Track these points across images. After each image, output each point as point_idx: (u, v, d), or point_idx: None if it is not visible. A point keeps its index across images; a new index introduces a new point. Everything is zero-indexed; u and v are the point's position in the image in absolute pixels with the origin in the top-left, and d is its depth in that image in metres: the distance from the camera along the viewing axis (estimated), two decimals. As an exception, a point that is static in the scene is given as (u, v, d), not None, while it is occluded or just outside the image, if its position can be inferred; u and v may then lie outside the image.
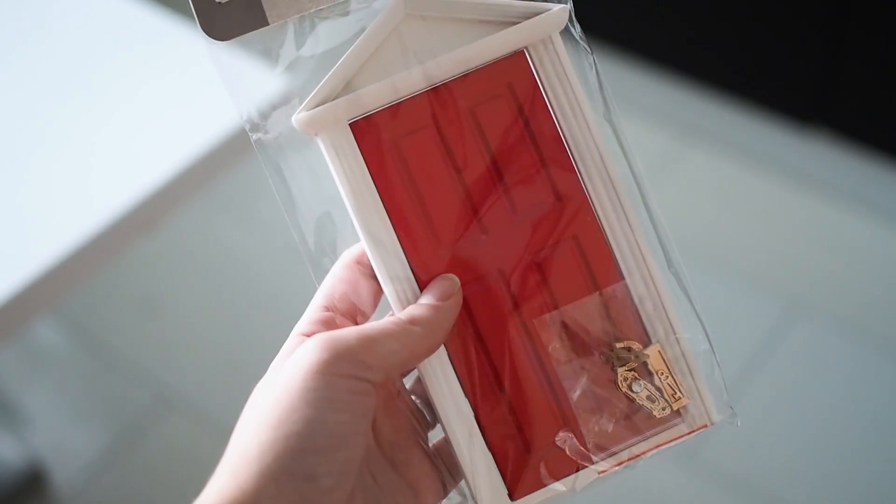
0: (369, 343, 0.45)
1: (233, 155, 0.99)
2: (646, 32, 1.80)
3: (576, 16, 0.51)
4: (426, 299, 0.48)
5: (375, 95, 0.49)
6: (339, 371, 0.44)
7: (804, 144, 1.74)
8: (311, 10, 0.48)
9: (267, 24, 0.48)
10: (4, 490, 1.42)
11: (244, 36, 0.48)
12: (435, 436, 0.51)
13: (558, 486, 0.49)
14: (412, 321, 0.47)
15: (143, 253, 1.67)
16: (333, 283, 0.50)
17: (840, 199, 1.70)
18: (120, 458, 1.48)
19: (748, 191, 1.74)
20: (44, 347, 1.62)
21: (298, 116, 0.49)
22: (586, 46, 0.51)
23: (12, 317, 0.89)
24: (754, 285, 1.61)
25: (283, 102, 0.49)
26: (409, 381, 0.52)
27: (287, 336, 0.50)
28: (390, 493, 0.48)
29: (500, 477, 0.49)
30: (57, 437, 1.51)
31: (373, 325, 0.47)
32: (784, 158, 1.75)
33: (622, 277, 0.50)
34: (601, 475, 0.50)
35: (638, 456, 0.50)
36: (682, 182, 1.75)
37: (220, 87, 1.04)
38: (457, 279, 0.49)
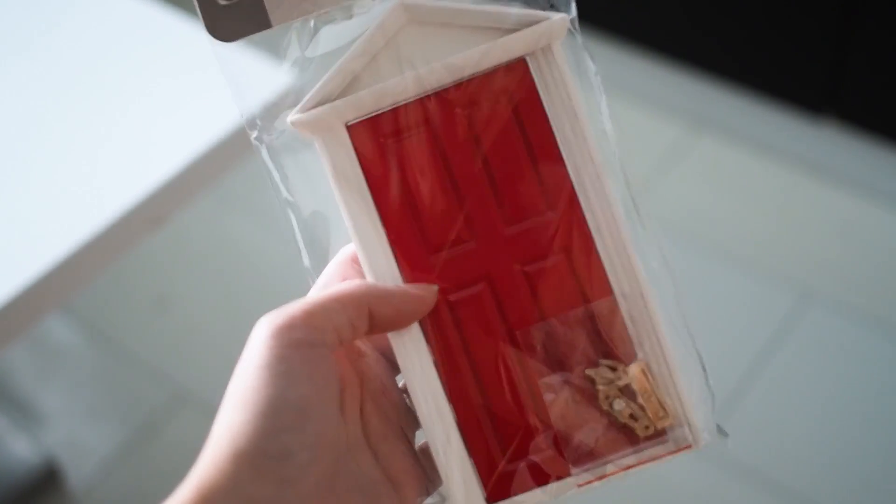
0: (310, 308, 0.45)
1: (243, 150, 1.00)
2: (655, 23, 1.79)
3: (587, 7, 0.50)
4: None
5: (373, 98, 0.49)
6: (287, 342, 0.44)
7: (815, 134, 1.73)
8: (315, 13, 0.48)
9: (270, 26, 0.48)
10: (20, 487, 1.42)
11: (248, 38, 0.48)
12: (421, 437, 0.51)
13: (536, 494, 0.49)
14: (368, 286, 0.47)
15: (155, 250, 1.68)
16: (326, 282, 0.50)
17: (851, 187, 1.69)
18: (134, 454, 1.48)
19: (759, 180, 1.73)
20: (57, 345, 1.63)
21: (294, 118, 0.49)
22: (590, 56, 0.50)
23: (24, 314, 0.90)
24: (766, 274, 1.61)
25: (283, 103, 0.49)
26: (402, 381, 0.52)
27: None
28: (372, 483, 0.48)
29: (476, 479, 0.49)
30: (71, 434, 1.52)
31: (320, 292, 0.47)
32: (795, 148, 1.74)
33: (612, 292, 0.50)
34: (580, 487, 0.49)
35: (619, 472, 0.49)
36: (693, 172, 1.75)
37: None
38: (435, 288, 0.49)
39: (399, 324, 0.48)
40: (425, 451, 0.50)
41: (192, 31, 1.06)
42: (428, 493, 0.50)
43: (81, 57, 1.06)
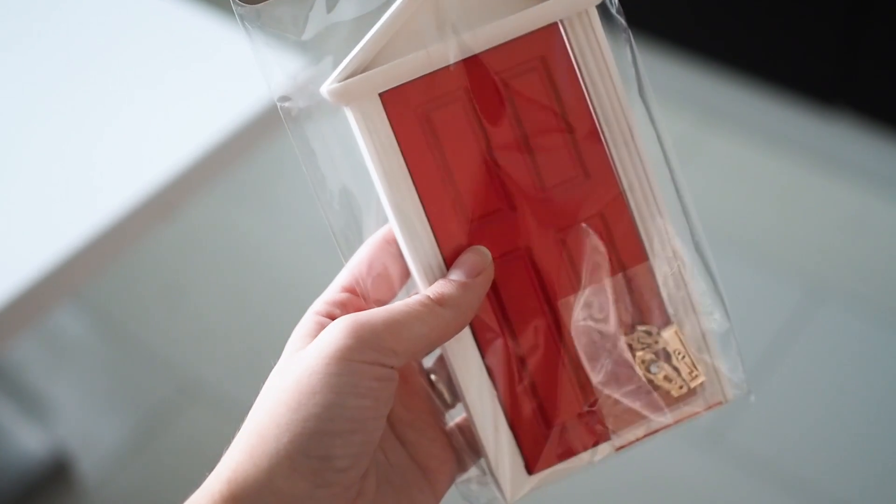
0: (396, 328, 0.45)
1: (252, 141, 0.99)
2: (666, 15, 1.79)
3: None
4: (455, 275, 0.47)
5: (408, 67, 0.48)
6: (363, 358, 0.44)
7: (826, 126, 1.73)
8: None
9: None
10: (30, 480, 1.42)
11: (274, 1, 0.48)
12: (451, 415, 0.51)
13: (576, 460, 0.50)
14: (440, 301, 0.46)
15: (165, 242, 1.68)
16: (358, 263, 0.49)
17: (862, 180, 1.69)
18: (144, 447, 1.48)
19: (770, 173, 1.73)
20: (67, 337, 1.63)
21: (330, 87, 0.48)
22: (623, 22, 0.50)
23: (34, 304, 0.90)
24: (777, 268, 1.60)
25: (313, 71, 0.48)
26: (427, 360, 0.52)
27: (307, 323, 0.49)
28: (401, 472, 0.48)
29: (518, 451, 0.49)
30: (81, 426, 1.52)
31: (399, 307, 0.46)
32: (806, 140, 1.73)
33: (647, 258, 0.50)
34: (619, 450, 0.50)
35: (655, 431, 0.50)
36: (703, 165, 1.74)
37: (239, 74, 1.04)
38: (488, 252, 0.48)
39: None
40: (457, 428, 0.50)
41: (204, 23, 1.06)
42: (461, 472, 0.50)
43: (93, 47, 1.06)
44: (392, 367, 0.44)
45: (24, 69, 1.05)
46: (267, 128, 1.00)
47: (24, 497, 1.42)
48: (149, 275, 1.68)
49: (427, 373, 0.51)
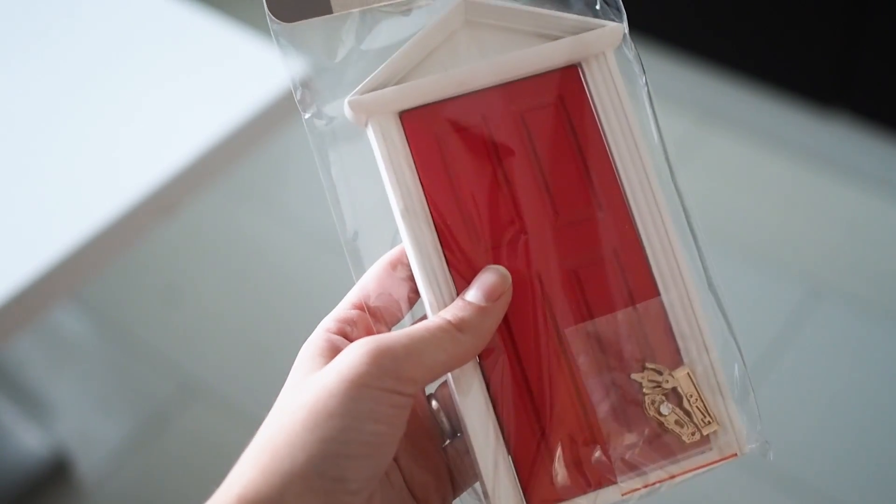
0: (416, 355, 0.45)
1: (253, 140, 1.00)
2: (666, 16, 1.79)
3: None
4: (474, 296, 0.47)
5: (428, 88, 0.49)
6: (383, 386, 0.44)
7: (825, 127, 1.73)
8: (375, 4, 0.49)
9: (331, 12, 0.49)
10: (30, 479, 1.42)
11: (307, 21, 0.49)
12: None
13: (580, 501, 0.48)
14: (460, 326, 0.46)
15: (166, 241, 1.68)
16: (369, 281, 0.49)
17: (861, 181, 1.69)
18: (144, 446, 1.48)
19: (769, 174, 1.73)
20: (68, 337, 1.63)
21: (350, 100, 0.49)
22: (641, 67, 0.51)
23: (33, 303, 0.90)
24: (776, 269, 1.60)
25: (337, 88, 0.49)
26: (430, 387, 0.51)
27: (309, 324, 0.49)
28: (400, 494, 0.48)
29: (518, 484, 0.48)
30: (81, 426, 1.52)
31: (419, 332, 0.45)
32: (805, 141, 1.74)
33: (658, 293, 0.50)
34: (625, 496, 0.48)
35: (665, 480, 0.49)
36: (703, 166, 1.74)
37: (241, 73, 1.04)
38: (508, 275, 0.48)
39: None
40: (454, 450, 0.50)
41: (208, 24, 1.06)
42: (453, 498, 0.50)
43: (93, 47, 1.06)
44: (409, 395, 0.44)
45: (22, 68, 1.05)
46: (268, 127, 1.00)
47: (23, 496, 1.42)
48: (149, 274, 1.68)
49: (429, 398, 0.51)
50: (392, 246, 0.50)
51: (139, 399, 1.54)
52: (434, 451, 0.49)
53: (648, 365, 0.49)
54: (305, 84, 0.49)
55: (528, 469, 0.48)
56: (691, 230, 0.51)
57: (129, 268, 1.66)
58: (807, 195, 1.70)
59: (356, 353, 0.44)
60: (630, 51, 0.51)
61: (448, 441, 0.50)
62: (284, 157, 1.68)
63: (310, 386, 0.45)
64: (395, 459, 0.48)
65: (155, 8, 1.09)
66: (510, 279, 0.48)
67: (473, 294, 0.47)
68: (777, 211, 1.69)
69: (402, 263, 0.49)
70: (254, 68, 1.02)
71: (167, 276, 1.68)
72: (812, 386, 1.48)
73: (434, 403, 0.50)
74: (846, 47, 1.62)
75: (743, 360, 0.50)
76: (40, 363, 1.60)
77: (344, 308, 0.49)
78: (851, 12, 1.59)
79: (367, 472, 0.43)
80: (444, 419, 0.50)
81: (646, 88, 0.51)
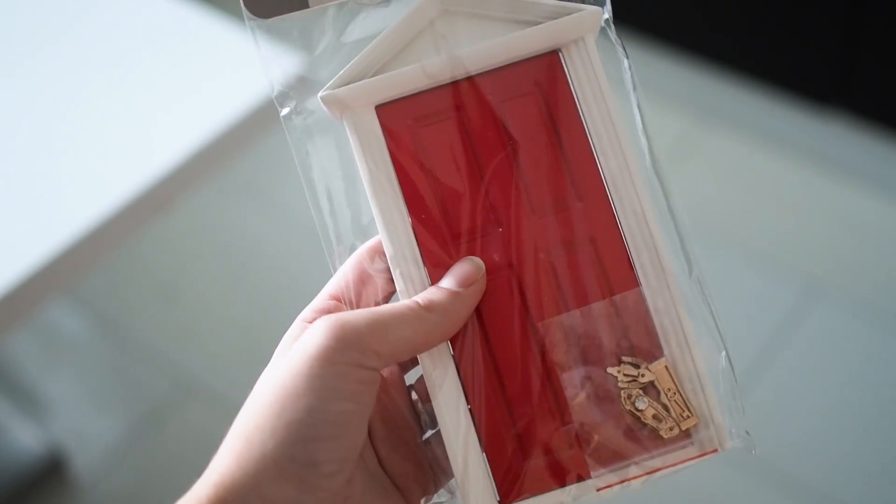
0: (380, 329, 0.44)
1: (248, 137, 0.99)
2: (663, 14, 1.79)
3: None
4: (447, 283, 0.47)
5: (403, 80, 0.49)
6: (346, 360, 0.43)
7: (822, 126, 1.73)
8: None
9: (307, 6, 0.48)
10: (25, 476, 1.42)
11: (284, 17, 0.48)
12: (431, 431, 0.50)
13: (552, 496, 0.47)
14: (428, 307, 0.46)
15: (162, 238, 1.67)
16: (346, 273, 0.49)
17: (859, 180, 1.69)
18: (140, 444, 1.48)
19: (766, 173, 1.73)
20: (63, 334, 1.63)
21: (324, 94, 0.48)
22: (623, 50, 0.50)
23: (28, 299, 0.89)
24: (773, 267, 1.60)
25: (315, 82, 0.49)
26: (410, 377, 0.51)
27: (303, 322, 0.49)
28: (381, 482, 0.47)
29: (490, 478, 0.47)
30: (77, 423, 1.52)
31: (384, 309, 0.45)
32: (802, 140, 1.74)
33: (638, 284, 0.48)
34: (600, 491, 0.47)
35: (642, 476, 0.47)
36: (700, 165, 1.74)
37: (234, 70, 1.04)
38: (482, 264, 0.48)
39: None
40: (434, 442, 0.49)
41: (202, 20, 1.06)
42: (435, 489, 0.49)
43: (88, 44, 1.06)
44: (374, 369, 0.44)
45: (17, 66, 1.05)
46: (263, 124, 1.00)
47: (19, 494, 1.42)
48: (144, 271, 1.68)
49: (409, 389, 0.50)
50: (369, 235, 0.50)
51: (135, 396, 1.54)
52: (413, 440, 0.49)
53: (625, 359, 0.48)
54: (284, 80, 0.49)
55: (501, 463, 0.47)
56: (673, 219, 0.49)
57: (126, 264, 1.66)
58: (804, 194, 1.70)
59: (318, 329, 0.44)
60: (612, 33, 0.50)
61: (430, 433, 0.50)
62: (281, 153, 1.67)
63: (277, 369, 0.44)
64: (374, 448, 0.47)
65: (150, 4, 1.08)
66: (484, 268, 0.47)
67: (446, 281, 0.47)
68: (774, 209, 1.68)
69: (379, 254, 0.49)
70: (249, 64, 1.02)
71: (163, 272, 1.68)
72: (810, 385, 1.48)
73: (414, 395, 0.50)
74: (844, 46, 1.62)
75: (727, 350, 0.49)
76: (36, 360, 1.60)
77: (322, 299, 0.49)
78: (850, 10, 1.58)
79: (338, 454, 0.43)
80: (424, 410, 0.50)
81: (629, 73, 0.50)
